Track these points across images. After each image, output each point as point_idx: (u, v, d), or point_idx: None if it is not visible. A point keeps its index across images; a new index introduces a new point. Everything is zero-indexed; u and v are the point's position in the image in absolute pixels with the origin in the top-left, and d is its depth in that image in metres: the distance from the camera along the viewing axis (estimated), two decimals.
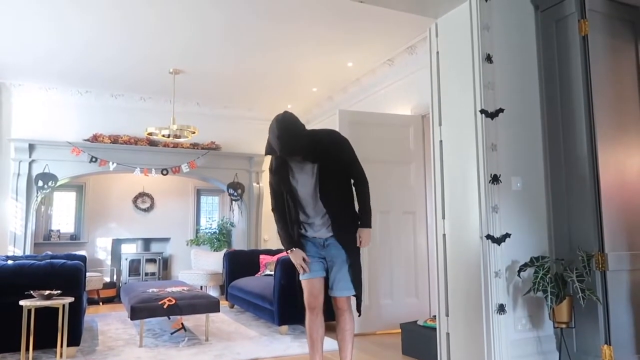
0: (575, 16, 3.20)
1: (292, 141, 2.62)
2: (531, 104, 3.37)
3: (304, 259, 2.81)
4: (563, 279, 2.94)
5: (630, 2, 3.34)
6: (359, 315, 2.92)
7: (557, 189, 3.27)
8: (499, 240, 3.07)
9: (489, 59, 3.20)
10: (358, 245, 2.85)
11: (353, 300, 2.89)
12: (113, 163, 6.95)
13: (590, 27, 3.16)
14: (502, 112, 3.18)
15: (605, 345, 2.93)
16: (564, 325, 2.98)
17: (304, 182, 2.82)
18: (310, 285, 2.84)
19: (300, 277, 2.88)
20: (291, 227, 2.87)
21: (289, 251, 2.86)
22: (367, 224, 2.88)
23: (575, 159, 3.16)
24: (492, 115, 3.16)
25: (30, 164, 6.64)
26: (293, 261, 2.85)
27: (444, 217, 3.43)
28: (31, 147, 6.64)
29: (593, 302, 2.93)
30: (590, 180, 3.06)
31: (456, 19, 3.42)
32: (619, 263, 3.02)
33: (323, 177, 2.79)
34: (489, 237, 3.06)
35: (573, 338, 3.09)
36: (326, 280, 2.87)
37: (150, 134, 6.39)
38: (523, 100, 3.34)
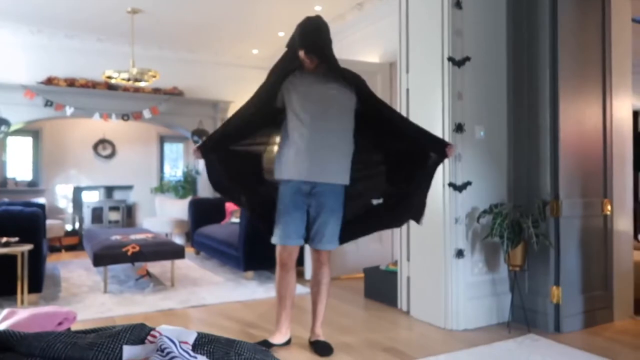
0: None
1: (322, 40, 2.50)
2: (498, 53, 3.37)
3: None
4: (519, 225, 3.06)
5: None
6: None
7: (518, 138, 3.34)
8: (460, 188, 3.14)
9: (458, 4, 3.15)
10: (449, 153, 2.61)
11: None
12: (70, 107, 6.64)
13: None
14: (469, 60, 3.18)
15: (555, 286, 3.10)
16: (517, 268, 3.13)
17: (324, 100, 2.57)
18: (286, 249, 2.64)
19: (275, 240, 2.65)
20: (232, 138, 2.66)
21: (198, 147, 2.62)
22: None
23: (537, 108, 3.21)
24: (459, 63, 3.15)
25: None
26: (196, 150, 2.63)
27: None
28: None
29: (546, 247, 3.08)
30: (550, 129, 3.13)
31: None
32: (572, 209, 3.16)
33: (359, 109, 2.65)
34: (450, 184, 3.13)
35: (525, 280, 3.26)
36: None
37: (108, 77, 6.10)
38: (490, 49, 3.33)
